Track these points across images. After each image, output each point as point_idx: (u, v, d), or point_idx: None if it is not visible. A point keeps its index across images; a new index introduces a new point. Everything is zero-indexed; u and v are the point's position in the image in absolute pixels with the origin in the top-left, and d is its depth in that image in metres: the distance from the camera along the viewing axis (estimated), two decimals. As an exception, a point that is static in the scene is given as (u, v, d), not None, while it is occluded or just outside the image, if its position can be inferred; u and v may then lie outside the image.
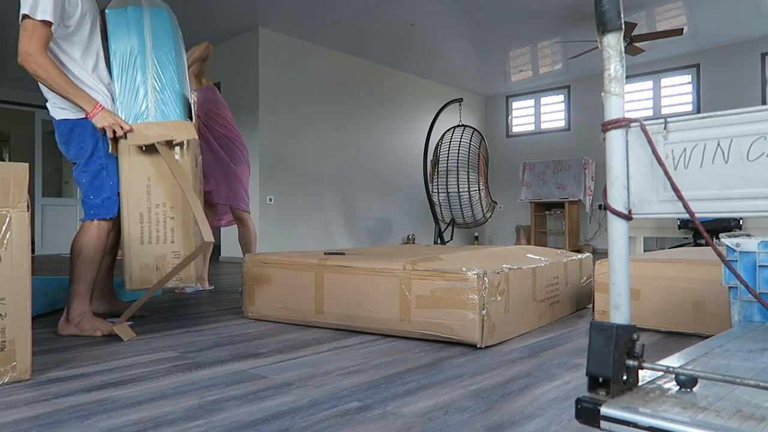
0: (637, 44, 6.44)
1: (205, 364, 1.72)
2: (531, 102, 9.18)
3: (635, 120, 0.81)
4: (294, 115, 6.64)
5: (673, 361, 0.93)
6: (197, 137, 2.29)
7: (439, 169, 6.77)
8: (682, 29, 5.92)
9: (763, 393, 0.77)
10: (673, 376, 0.81)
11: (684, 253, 2.62)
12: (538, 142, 9.00)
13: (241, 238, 3.62)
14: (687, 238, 5.87)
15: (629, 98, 7.99)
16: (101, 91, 2.16)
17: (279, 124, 6.46)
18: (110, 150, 2.14)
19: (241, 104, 6.34)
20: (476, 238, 9.46)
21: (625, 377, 0.79)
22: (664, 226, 5.14)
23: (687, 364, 0.93)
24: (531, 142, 9.11)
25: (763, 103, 6.89)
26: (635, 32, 6.30)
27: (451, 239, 7.02)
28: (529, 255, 2.56)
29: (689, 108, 7.52)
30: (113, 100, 2.19)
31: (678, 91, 7.63)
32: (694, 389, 0.79)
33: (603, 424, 0.74)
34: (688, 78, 7.53)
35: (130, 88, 2.16)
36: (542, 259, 2.49)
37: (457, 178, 6.64)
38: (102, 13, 2.25)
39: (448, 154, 6.74)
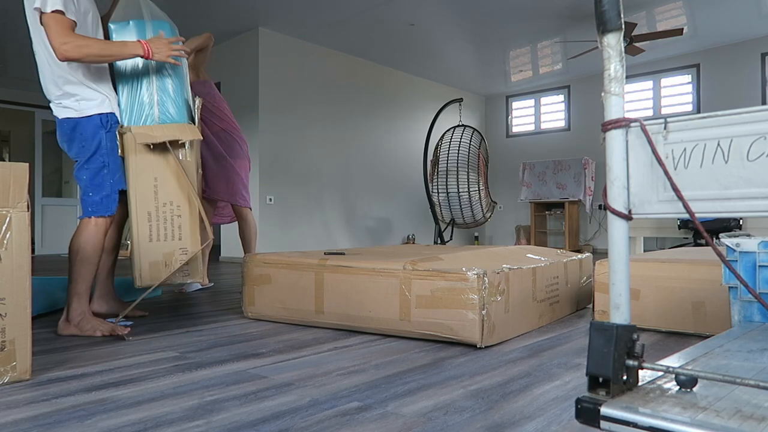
0: (637, 44, 6.44)
1: (205, 364, 1.72)
2: (531, 102, 9.18)
3: (635, 120, 0.81)
4: (294, 115, 6.64)
5: (673, 361, 0.93)
6: (201, 138, 2.35)
7: (439, 169, 6.77)
8: (682, 29, 5.92)
9: (763, 393, 0.77)
10: (673, 376, 0.81)
11: (684, 253, 2.62)
12: (538, 142, 9.00)
13: (242, 234, 3.61)
14: (687, 238, 5.87)
15: (629, 98, 7.99)
16: (104, 91, 2.17)
17: (279, 124, 6.46)
18: (119, 153, 2.19)
19: (241, 104, 6.34)
20: (476, 238, 9.46)
21: (625, 377, 0.79)
22: (664, 226, 5.14)
23: (687, 364, 0.93)
24: (531, 142, 9.11)
25: (763, 103, 6.89)
26: (635, 32, 6.30)
27: (451, 239, 7.02)
28: (529, 255, 2.56)
29: (689, 108, 7.52)
30: (118, 104, 2.22)
31: (678, 91, 7.63)
32: (694, 389, 0.79)
33: (603, 424, 0.74)
34: (688, 78, 7.53)
35: (134, 102, 2.22)
36: (542, 259, 2.49)
37: (457, 178, 6.64)
38: (105, 26, 2.26)
39: (448, 154, 6.74)
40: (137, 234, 2.22)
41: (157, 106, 2.23)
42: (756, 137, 0.73)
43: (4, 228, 1.49)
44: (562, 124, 8.78)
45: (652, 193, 0.81)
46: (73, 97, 2.13)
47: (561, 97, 8.80)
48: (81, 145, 2.15)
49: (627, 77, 7.68)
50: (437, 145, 6.89)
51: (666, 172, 0.79)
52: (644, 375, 0.85)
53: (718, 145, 0.76)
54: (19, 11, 5.82)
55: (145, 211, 2.23)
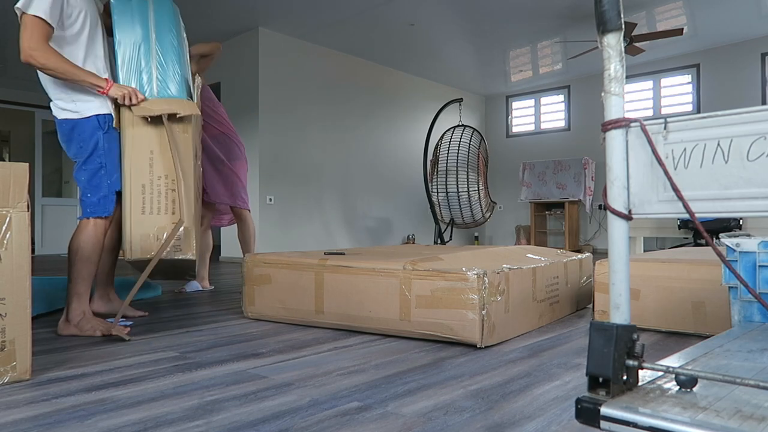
0: (637, 44, 6.44)
1: (205, 364, 1.72)
2: (531, 102, 9.18)
3: (635, 120, 0.81)
4: (294, 115, 6.64)
5: (673, 361, 0.93)
6: (200, 113, 2.36)
7: (439, 169, 6.77)
8: (682, 29, 5.92)
9: (763, 393, 0.77)
10: (673, 376, 0.81)
11: (684, 253, 2.62)
12: (538, 142, 9.00)
13: (241, 236, 3.62)
14: (687, 238, 5.87)
15: (629, 98, 7.99)
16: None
17: (279, 124, 6.46)
18: (114, 124, 2.19)
19: (241, 104, 6.35)
20: (476, 238, 9.46)
21: (625, 377, 0.79)
22: (664, 226, 5.14)
23: (687, 364, 0.93)
24: (531, 142, 9.11)
25: (763, 103, 6.89)
26: (635, 32, 6.30)
27: (451, 239, 7.02)
28: (529, 255, 2.56)
29: (689, 108, 7.52)
30: (117, 79, 2.24)
31: (678, 91, 7.63)
32: (694, 389, 0.79)
33: (603, 424, 0.74)
34: (688, 78, 7.53)
35: (134, 76, 2.22)
36: (542, 259, 2.49)
37: (457, 178, 6.64)
38: (106, 6, 2.27)
39: (448, 154, 6.74)
40: (130, 206, 2.20)
41: (156, 83, 2.23)
42: (756, 137, 0.73)
43: (4, 228, 1.49)
44: (562, 124, 8.78)
45: (652, 193, 0.81)
46: (72, 98, 2.14)
47: (561, 97, 8.80)
48: (79, 145, 2.16)
49: (627, 77, 7.68)
50: (437, 145, 6.89)
51: (666, 172, 0.79)
52: (644, 375, 0.85)
53: (718, 145, 0.76)
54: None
55: (139, 183, 2.21)
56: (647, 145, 0.81)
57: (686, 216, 0.78)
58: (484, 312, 1.91)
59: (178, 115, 2.25)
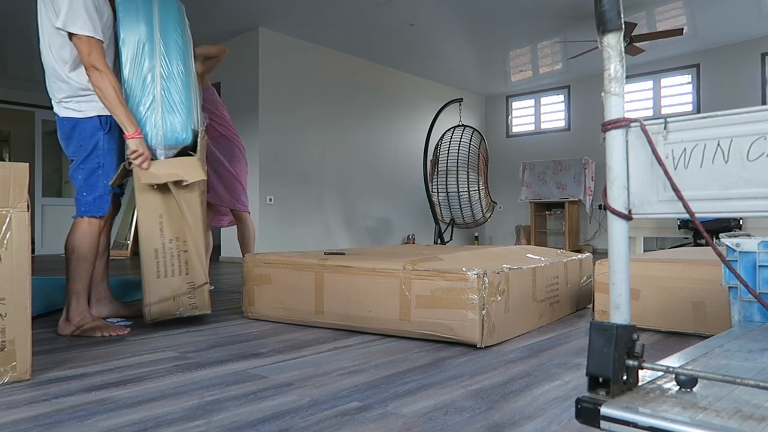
0: (637, 44, 6.44)
1: (205, 364, 1.72)
2: (531, 102, 9.17)
3: (635, 120, 0.81)
4: (294, 115, 6.64)
5: (673, 361, 0.93)
6: (205, 178, 2.38)
7: (439, 169, 6.76)
8: (682, 29, 5.92)
9: (763, 393, 0.77)
10: (673, 376, 0.81)
11: (684, 253, 2.62)
12: (538, 142, 9.00)
13: (240, 237, 3.63)
14: (687, 238, 5.87)
15: (629, 98, 7.99)
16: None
17: (279, 124, 6.46)
18: (135, 187, 2.25)
19: (241, 104, 6.34)
20: (476, 238, 9.45)
21: (625, 377, 0.79)
22: (664, 226, 5.14)
23: (687, 364, 0.93)
24: (531, 142, 9.11)
25: (763, 103, 6.89)
26: (635, 32, 6.30)
27: (451, 239, 7.02)
28: (529, 255, 2.56)
29: (689, 108, 7.52)
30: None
31: (678, 91, 7.63)
32: (694, 389, 0.79)
33: (603, 424, 0.74)
34: (688, 78, 7.53)
35: (137, 74, 2.22)
36: (542, 259, 2.49)
37: (457, 178, 6.64)
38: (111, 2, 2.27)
39: (448, 154, 6.74)
40: (145, 270, 2.25)
41: (160, 92, 2.23)
42: (756, 137, 0.73)
43: (4, 228, 1.49)
44: (562, 124, 8.78)
45: (652, 193, 0.81)
46: (77, 98, 2.14)
47: (561, 97, 8.79)
48: (79, 144, 2.16)
49: (627, 77, 7.68)
50: (437, 145, 6.89)
51: (666, 172, 0.79)
52: (644, 375, 0.85)
53: (718, 145, 0.76)
54: (20, 11, 5.81)
55: (151, 249, 2.26)
56: (647, 145, 0.81)
57: (686, 216, 0.78)
58: (484, 312, 1.91)
59: (183, 183, 2.27)
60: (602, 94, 0.83)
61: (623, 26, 0.81)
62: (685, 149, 0.79)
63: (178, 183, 2.26)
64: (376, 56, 7.41)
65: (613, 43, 0.81)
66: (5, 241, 1.49)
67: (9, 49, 6.57)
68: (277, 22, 6.15)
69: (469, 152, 6.72)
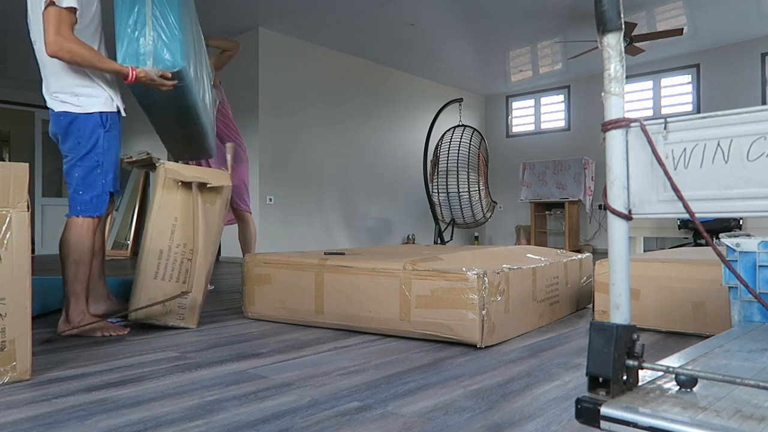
0: (637, 44, 6.44)
1: (205, 364, 1.72)
2: (531, 102, 9.17)
3: (635, 120, 0.81)
4: (294, 115, 6.64)
5: (673, 361, 0.93)
6: (231, 184, 2.41)
7: (439, 169, 6.77)
8: (682, 29, 5.92)
9: (763, 393, 0.77)
10: (673, 376, 0.81)
11: (684, 253, 2.62)
12: (538, 142, 9.00)
13: (242, 237, 3.63)
14: (687, 238, 5.87)
15: (629, 98, 7.98)
16: (109, 89, 2.17)
17: (279, 124, 6.46)
18: (153, 186, 2.27)
19: (241, 104, 6.34)
20: (476, 238, 9.45)
21: (625, 377, 0.79)
22: (664, 226, 5.14)
23: (687, 364, 0.93)
24: (531, 142, 9.11)
25: (763, 103, 6.89)
26: (635, 32, 6.30)
27: (451, 239, 7.01)
28: (529, 255, 2.56)
29: (689, 108, 7.52)
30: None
31: (678, 91, 7.63)
32: (694, 389, 0.79)
33: (603, 424, 0.74)
34: (688, 78, 7.53)
35: (128, 22, 2.12)
36: (542, 259, 2.49)
37: (457, 178, 6.64)
38: None
39: (448, 154, 6.74)
40: (143, 268, 2.24)
41: (151, 40, 2.11)
42: (756, 137, 0.73)
43: (4, 228, 1.49)
44: (562, 124, 8.78)
45: (652, 193, 0.81)
46: (74, 91, 2.09)
47: (561, 97, 8.79)
48: (77, 141, 2.11)
49: (627, 77, 7.68)
50: (437, 145, 6.88)
51: (666, 172, 0.79)
52: (644, 375, 0.85)
53: (718, 145, 0.76)
54: (20, 11, 5.80)
55: (157, 248, 2.25)
56: (647, 145, 0.81)
57: (686, 216, 0.78)
58: (484, 312, 1.91)
59: (208, 185, 2.27)
60: (602, 94, 0.83)
61: (623, 26, 0.81)
62: (685, 149, 0.79)
63: (201, 188, 2.28)
64: (376, 56, 7.41)
65: (613, 43, 0.81)
66: (5, 241, 1.49)
67: (9, 49, 6.57)
68: (277, 22, 6.15)
69: (469, 152, 6.72)
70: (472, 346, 1.95)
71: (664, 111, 7.72)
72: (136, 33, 2.11)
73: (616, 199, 0.82)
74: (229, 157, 2.58)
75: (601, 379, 0.78)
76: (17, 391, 1.45)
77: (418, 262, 2.09)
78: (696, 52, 7.39)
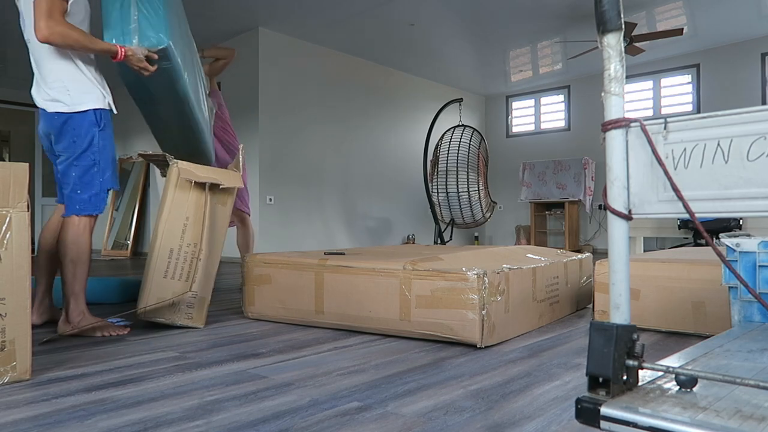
0: (637, 44, 6.44)
1: (205, 364, 1.72)
2: (531, 102, 9.17)
3: (635, 120, 0.81)
4: (294, 114, 6.64)
5: (673, 361, 0.93)
6: (243, 185, 2.44)
7: (439, 169, 6.77)
8: (682, 29, 5.92)
9: (763, 393, 0.77)
10: (673, 376, 0.81)
11: (684, 253, 2.62)
12: (538, 142, 9.00)
13: (241, 239, 3.63)
14: (687, 238, 5.87)
15: (629, 98, 7.98)
16: (102, 86, 2.16)
17: (279, 124, 6.46)
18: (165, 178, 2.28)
19: (241, 104, 6.34)
20: (476, 238, 9.45)
21: (625, 377, 0.79)
22: (664, 226, 5.14)
23: (687, 364, 0.93)
24: (531, 142, 9.11)
25: (763, 103, 6.89)
26: (635, 32, 6.30)
27: (451, 239, 7.01)
28: (529, 255, 2.56)
29: (689, 108, 7.52)
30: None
31: (678, 91, 7.63)
32: (694, 389, 0.79)
33: (603, 424, 0.74)
34: (688, 78, 7.53)
35: (115, 4, 2.14)
36: (542, 259, 2.49)
37: (457, 178, 6.64)
38: None
39: (448, 154, 6.74)
40: (153, 266, 2.24)
41: (136, 19, 2.12)
42: (756, 137, 0.73)
43: (4, 228, 1.49)
44: (562, 124, 8.78)
45: (652, 193, 0.81)
46: (67, 87, 2.08)
47: (561, 97, 8.79)
48: (72, 140, 2.10)
49: (627, 77, 7.68)
50: (437, 145, 6.89)
51: (666, 172, 0.79)
52: (644, 375, 0.85)
53: (718, 145, 0.76)
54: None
55: (168, 247, 2.26)
56: (647, 145, 0.81)
57: (686, 216, 0.78)
58: (484, 312, 1.91)
59: (221, 186, 2.29)
60: (602, 94, 0.83)
61: (623, 26, 0.81)
62: (685, 149, 0.79)
63: (213, 189, 2.29)
64: (376, 56, 7.41)
65: (613, 43, 0.81)
66: (5, 241, 1.49)
67: (9, 49, 6.56)
68: (277, 22, 6.15)
69: (468, 152, 6.72)
70: (472, 346, 1.95)
71: (664, 111, 7.72)
72: (122, 13, 2.13)
73: (616, 199, 0.82)
74: (241, 157, 2.58)
75: (601, 379, 0.78)
76: (17, 391, 1.45)
77: (418, 262, 2.09)
78: (696, 52, 7.39)
